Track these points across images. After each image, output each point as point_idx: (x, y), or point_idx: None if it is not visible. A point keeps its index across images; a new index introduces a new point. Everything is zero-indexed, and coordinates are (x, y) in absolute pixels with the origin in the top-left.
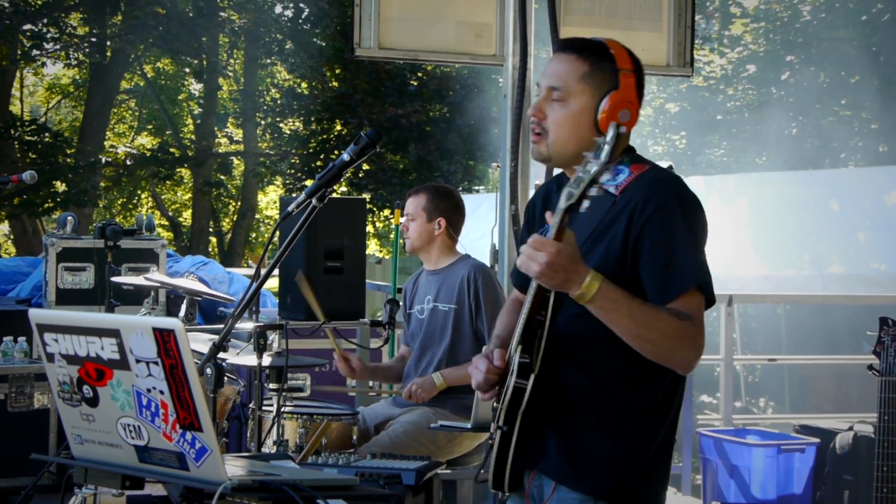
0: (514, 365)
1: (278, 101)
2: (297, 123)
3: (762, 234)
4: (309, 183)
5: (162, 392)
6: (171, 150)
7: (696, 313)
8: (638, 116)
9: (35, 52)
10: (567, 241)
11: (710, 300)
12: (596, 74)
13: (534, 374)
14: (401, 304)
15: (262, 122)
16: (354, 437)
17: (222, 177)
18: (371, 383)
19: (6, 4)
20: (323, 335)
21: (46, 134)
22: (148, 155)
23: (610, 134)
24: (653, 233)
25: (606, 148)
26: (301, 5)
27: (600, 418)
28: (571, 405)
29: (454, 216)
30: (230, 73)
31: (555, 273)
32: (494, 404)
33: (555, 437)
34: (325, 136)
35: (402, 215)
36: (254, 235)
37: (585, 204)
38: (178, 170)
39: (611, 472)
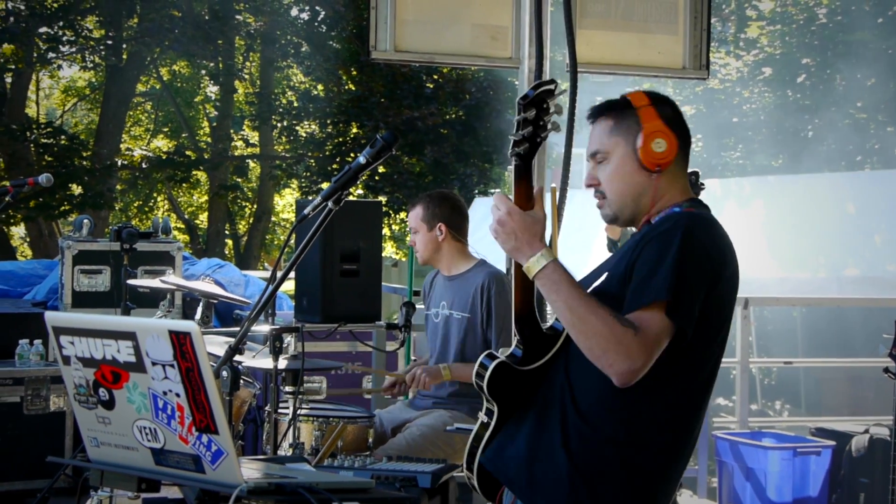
0: (503, 352)
1: (294, 104)
2: (313, 126)
3: (778, 236)
4: (325, 186)
5: (178, 395)
6: (187, 152)
7: (647, 328)
8: (675, 142)
9: (51, 54)
10: (534, 211)
11: (680, 329)
12: (622, 123)
13: (501, 362)
14: (420, 304)
15: (278, 125)
16: (370, 440)
17: (238, 179)
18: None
19: (22, 7)
20: (338, 338)
21: (62, 137)
22: (164, 158)
23: (531, 92)
24: (648, 252)
25: (527, 93)
26: (317, 8)
27: (567, 437)
28: (548, 416)
29: (453, 218)
30: (246, 76)
31: (506, 235)
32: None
33: (525, 443)
34: (341, 139)
35: None
36: (270, 238)
37: (514, 161)
38: (194, 172)
39: (562, 495)
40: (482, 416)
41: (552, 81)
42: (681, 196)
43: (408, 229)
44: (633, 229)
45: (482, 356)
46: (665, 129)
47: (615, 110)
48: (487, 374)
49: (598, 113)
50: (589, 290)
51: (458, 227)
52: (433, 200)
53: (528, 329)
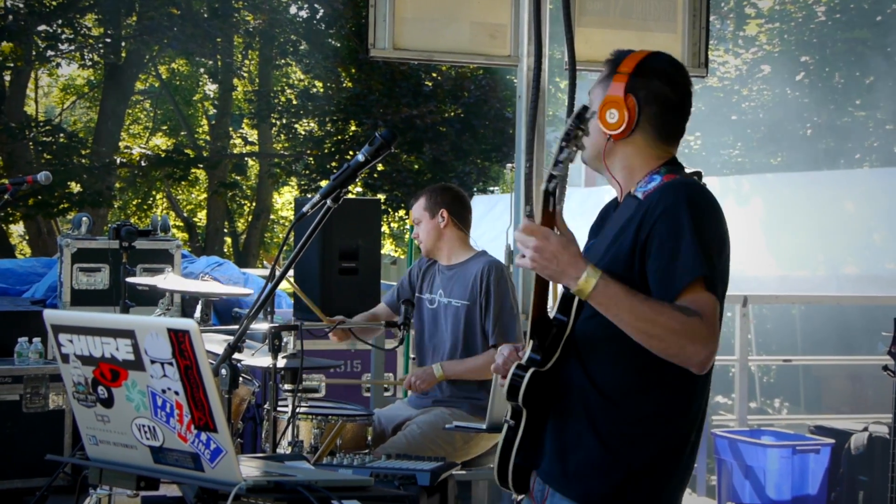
0: (522, 357)
1: (293, 102)
2: (311, 124)
3: (777, 234)
4: (324, 184)
5: (177, 393)
6: (186, 150)
7: (705, 309)
8: (627, 118)
9: (50, 52)
10: (561, 229)
11: (717, 297)
12: (606, 81)
13: (534, 369)
14: (407, 280)
15: (277, 123)
16: (369, 438)
17: (237, 177)
18: (385, 385)
19: (21, 5)
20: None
21: (61, 135)
22: (163, 156)
23: (574, 115)
24: (659, 233)
25: (565, 126)
26: (316, 6)
27: (595, 423)
28: (571, 407)
29: (456, 206)
30: (245, 74)
31: (546, 261)
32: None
33: (552, 438)
34: (339, 137)
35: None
36: (268, 236)
37: (552, 184)
38: (192, 170)
39: (600, 480)
40: (509, 420)
41: (586, 108)
42: (655, 161)
43: (409, 226)
44: None
45: (514, 367)
46: (620, 102)
47: (610, 64)
48: (524, 385)
49: (607, 59)
50: None
51: (460, 215)
52: (435, 190)
53: (544, 331)
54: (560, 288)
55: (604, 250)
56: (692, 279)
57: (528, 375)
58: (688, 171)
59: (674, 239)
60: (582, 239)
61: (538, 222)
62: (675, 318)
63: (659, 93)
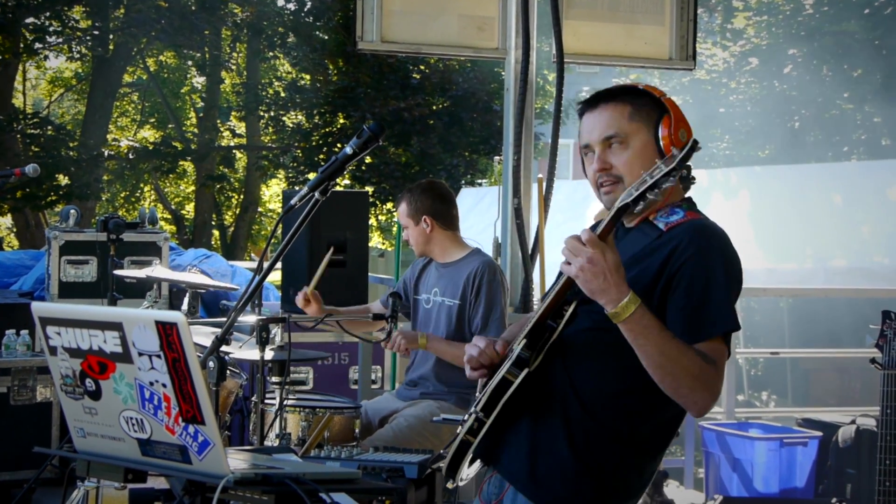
0: (512, 355)
1: (281, 95)
2: (299, 117)
3: (764, 227)
4: (312, 176)
5: (164, 385)
6: (174, 143)
7: (720, 360)
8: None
9: (37, 45)
10: (613, 249)
11: (729, 351)
12: (642, 110)
13: (528, 369)
14: (402, 286)
15: (265, 116)
16: (357, 431)
17: (225, 170)
18: (374, 375)
19: None
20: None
21: (49, 127)
22: (150, 148)
23: (687, 147)
24: (692, 272)
25: (679, 154)
26: None
27: (570, 432)
28: (549, 411)
29: (438, 208)
30: (233, 67)
31: (593, 276)
32: (477, 394)
33: (522, 438)
34: (327, 130)
35: None
36: (256, 229)
37: (640, 205)
38: (180, 163)
39: (567, 488)
40: (478, 413)
41: (696, 142)
42: (677, 195)
43: (397, 219)
44: None
45: (510, 365)
46: (685, 121)
47: (630, 95)
48: (516, 383)
49: (608, 97)
50: None
51: (443, 215)
52: (415, 194)
53: (539, 334)
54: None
55: None
56: (722, 332)
57: (522, 375)
58: None
59: (705, 284)
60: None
61: (600, 230)
62: (696, 363)
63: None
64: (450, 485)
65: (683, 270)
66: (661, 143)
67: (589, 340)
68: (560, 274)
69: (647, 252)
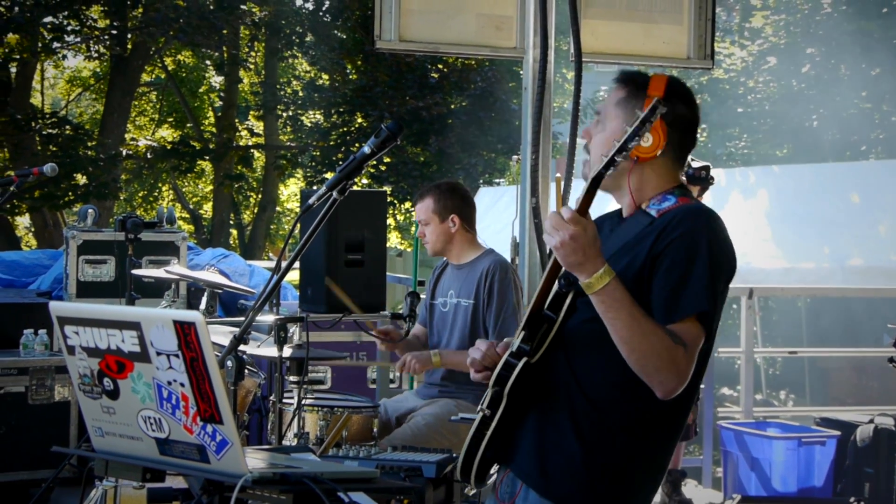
0: (512, 346)
1: (299, 94)
2: (317, 116)
3: (782, 226)
4: (329, 175)
5: (182, 385)
6: (192, 142)
7: (691, 342)
8: (662, 141)
9: (56, 44)
10: (591, 225)
11: (708, 334)
12: (630, 101)
13: (527, 359)
14: (424, 295)
15: (283, 115)
16: (375, 430)
17: (243, 169)
18: (392, 375)
19: None
20: (344, 327)
21: (67, 126)
22: (169, 148)
23: (650, 107)
24: (673, 253)
25: (641, 114)
26: None
27: (577, 426)
28: (554, 406)
29: (465, 210)
30: (251, 66)
31: (573, 251)
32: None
33: (531, 435)
34: (345, 129)
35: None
36: (274, 228)
37: (611, 171)
38: (198, 162)
39: (579, 483)
40: (485, 410)
41: (661, 102)
42: (669, 183)
43: (415, 220)
44: None
45: (507, 356)
46: (658, 127)
47: (632, 85)
48: (514, 375)
49: (618, 79)
50: None
51: (468, 217)
52: (444, 192)
53: (536, 324)
54: (556, 285)
55: (609, 259)
56: (693, 312)
57: (520, 364)
58: (696, 164)
59: (686, 264)
60: None
61: (579, 202)
62: (663, 342)
63: (682, 117)
64: (468, 490)
65: (666, 252)
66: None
67: (590, 331)
68: (550, 253)
69: (639, 239)
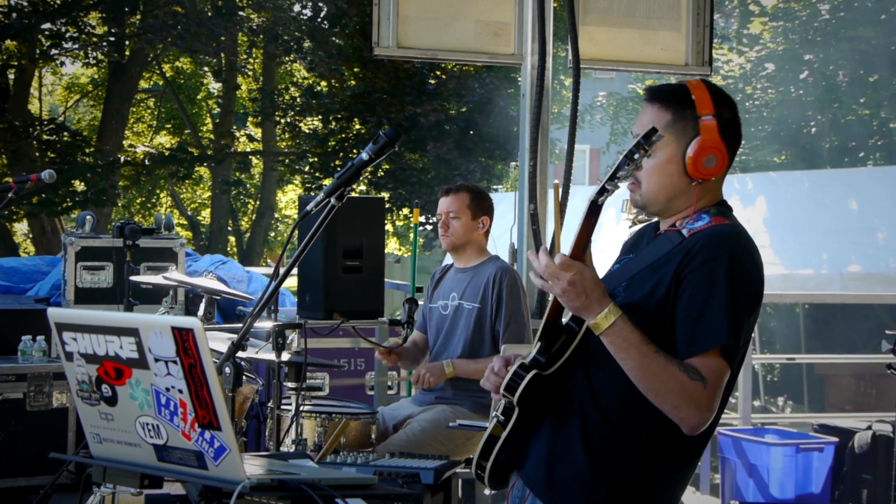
0: (527, 357)
1: (297, 100)
2: (315, 122)
3: (781, 233)
4: (328, 182)
5: (181, 391)
6: (190, 149)
7: (713, 377)
8: (726, 160)
9: (54, 51)
10: (589, 264)
11: (733, 369)
12: (679, 123)
13: (536, 372)
14: (422, 301)
15: (281, 121)
16: (373, 436)
17: (241, 176)
18: (389, 381)
19: (25, 3)
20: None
21: (65, 133)
22: (167, 154)
23: (643, 134)
24: (694, 282)
25: (635, 140)
26: (319, 4)
27: (588, 438)
28: (567, 417)
29: (492, 217)
30: (249, 72)
31: (575, 296)
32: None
33: (542, 444)
34: (343, 135)
35: (420, 214)
36: (272, 234)
37: (603, 197)
38: (196, 169)
39: (584, 495)
40: (498, 415)
41: (655, 130)
42: (711, 200)
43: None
44: None
45: (516, 366)
46: (720, 146)
47: (676, 104)
48: (523, 384)
49: (657, 98)
50: (620, 302)
51: (490, 223)
52: (480, 193)
53: (553, 334)
54: None
55: (634, 275)
56: (713, 347)
57: (528, 376)
58: None
59: (706, 295)
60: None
61: (577, 233)
62: (678, 381)
63: (729, 123)
64: (487, 492)
65: (689, 279)
66: (686, 162)
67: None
68: None
69: (665, 260)
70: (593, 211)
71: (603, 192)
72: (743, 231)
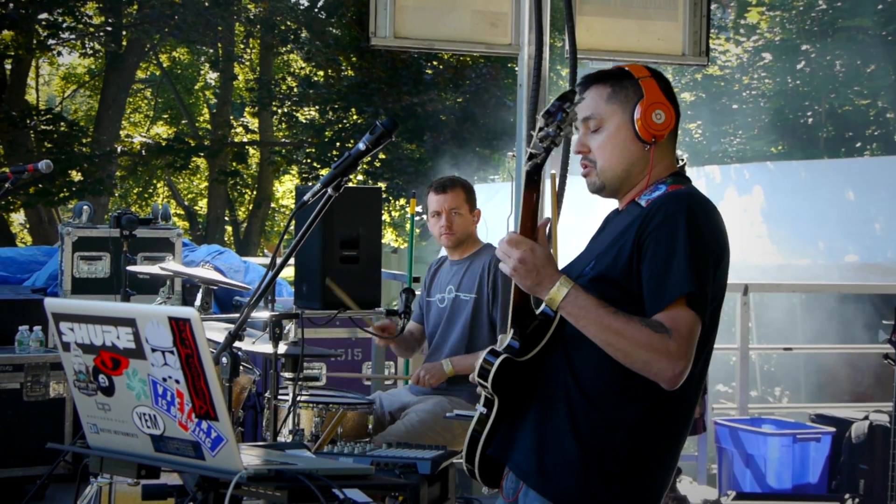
0: (501, 344)
1: (294, 90)
2: (312, 112)
3: (778, 223)
4: (324, 172)
5: (178, 381)
6: (187, 139)
7: (679, 327)
8: (673, 115)
9: (51, 41)
10: (541, 241)
11: (704, 320)
12: (620, 92)
13: (507, 356)
14: (419, 291)
15: (278, 111)
16: (370, 426)
17: (238, 166)
18: (387, 371)
19: None
20: (339, 324)
21: (62, 123)
22: (164, 144)
23: (557, 98)
24: (655, 240)
25: (548, 106)
26: None
27: (575, 423)
28: (552, 403)
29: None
30: (246, 62)
31: (526, 273)
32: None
33: (529, 433)
34: (340, 125)
35: (417, 203)
36: (269, 224)
37: (529, 164)
38: (193, 159)
39: (576, 481)
40: (480, 408)
41: (573, 92)
42: (666, 170)
43: (409, 214)
44: None
45: (485, 353)
46: (664, 101)
47: (612, 78)
48: (493, 371)
49: (592, 80)
50: (588, 279)
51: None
52: (469, 186)
53: (525, 319)
54: None
55: (599, 252)
56: (676, 297)
57: (497, 361)
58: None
59: (667, 251)
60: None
61: (520, 228)
62: (641, 333)
63: (671, 91)
64: (485, 490)
65: (650, 239)
66: (636, 126)
67: None
68: None
69: (626, 229)
70: (529, 182)
71: (531, 157)
72: (700, 193)
